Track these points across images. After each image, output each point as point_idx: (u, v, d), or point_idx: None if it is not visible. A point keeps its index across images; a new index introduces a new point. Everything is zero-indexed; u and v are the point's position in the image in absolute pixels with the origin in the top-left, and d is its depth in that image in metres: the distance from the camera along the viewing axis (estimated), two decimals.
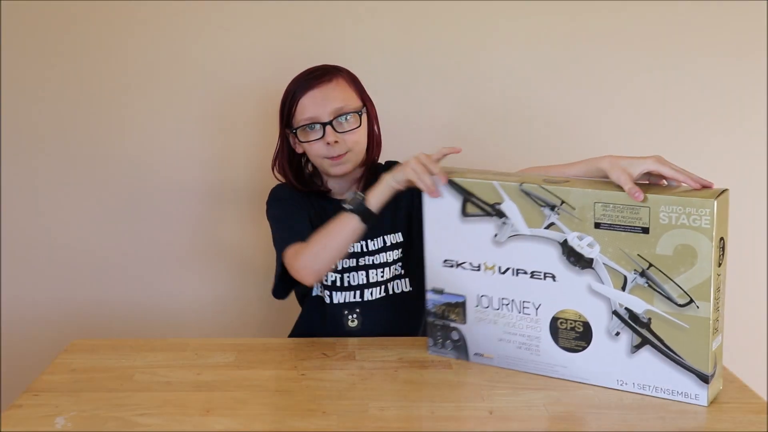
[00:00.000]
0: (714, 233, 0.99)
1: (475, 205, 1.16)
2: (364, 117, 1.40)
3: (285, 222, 1.38)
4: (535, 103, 1.75)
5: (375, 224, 1.24)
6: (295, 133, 1.38)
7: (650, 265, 1.04)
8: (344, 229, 1.23)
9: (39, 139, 1.76)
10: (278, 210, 1.41)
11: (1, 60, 1.72)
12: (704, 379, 1.04)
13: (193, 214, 1.80)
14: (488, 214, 1.15)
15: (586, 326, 1.11)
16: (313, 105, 1.35)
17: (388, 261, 1.41)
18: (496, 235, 1.15)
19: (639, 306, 1.06)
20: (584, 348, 1.12)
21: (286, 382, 1.17)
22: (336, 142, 1.34)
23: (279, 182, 1.48)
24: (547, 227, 1.11)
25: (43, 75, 1.73)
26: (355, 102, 1.39)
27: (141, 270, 1.82)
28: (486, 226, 1.15)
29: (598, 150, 1.77)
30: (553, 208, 1.10)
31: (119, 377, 1.18)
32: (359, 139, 1.38)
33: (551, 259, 1.12)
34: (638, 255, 1.05)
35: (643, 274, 1.05)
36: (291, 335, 1.49)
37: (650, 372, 1.07)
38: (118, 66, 1.73)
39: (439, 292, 1.22)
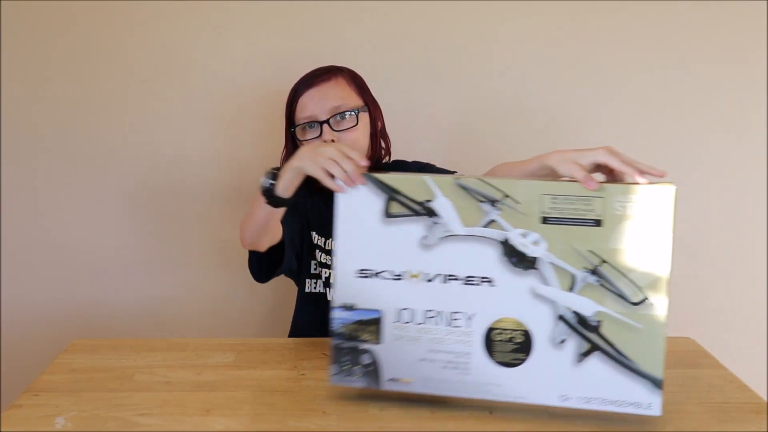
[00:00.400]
0: (672, 224, 0.94)
1: (401, 203, 1.01)
2: (364, 116, 1.40)
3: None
4: (536, 102, 1.75)
5: (289, 206, 1.18)
6: (293, 132, 1.40)
7: (603, 261, 0.97)
8: (259, 210, 1.20)
9: (39, 139, 1.76)
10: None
11: (1, 60, 1.72)
12: (657, 384, 0.97)
13: (194, 214, 1.80)
14: (416, 214, 1.01)
15: (527, 336, 1.00)
16: (312, 103, 1.36)
17: None
18: (425, 237, 1.01)
19: (588, 308, 0.98)
20: (522, 361, 1.00)
21: (286, 382, 1.17)
22: (332, 140, 1.34)
23: None
24: (487, 225, 0.99)
25: (43, 75, 1.73)
26: (355, 101, 1.39)
27: (141, 270, 1.82)
28: (413, 228, 1.01)
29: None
30: (494, 203, 0.99)
31: (119, 377, 1.18)
32: (358, 137, 1.38)
33: (489, 261, 0.99)
34: (590, 251, 0.97)
35: (594, 271, 0.97)
36: (291, 332, 1.49)
37: (597, 382, 0.98)
38: (118, 66, 1.73)
39: (350, 308, 1.05)
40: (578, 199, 0.96)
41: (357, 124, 1.37)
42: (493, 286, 1.00)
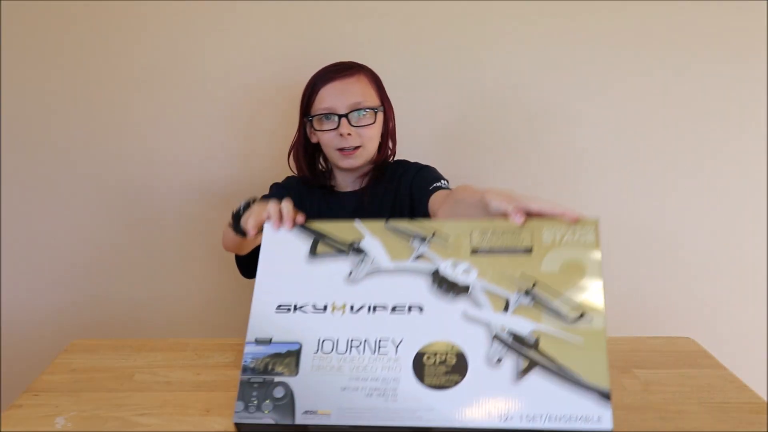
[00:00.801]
0: (599, 250, 0.95)
1: (328, 244, 1.01)
2: (380, 115, 1.43)
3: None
4: (535, 103, 1.75)
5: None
6: (311, 121, 1.42)
7: (535, 283, 0.95)
8: (229, 235, 1.27)
9: (39, 140, 1.76)
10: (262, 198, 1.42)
11: (1, 60, 1.72)
12: (605, 396, 0.89)
13: (194, 215, 1.80)
14: (342, 252, 1.00)
15: (460, 357, 0.93)
16: (332, 96, 1.39)
17: None
18: (350, 273, 0.99)
19: (524, 327, 0.93)
20: (457, 383, 0.92)
21: None
22: (349, 134, 1.38)
23: (288, 175, 1.53)
24: (416, 259, 0.98)
25: (43, 75, 1.73)
26: (374, 100, 1.42)
27: (141, 270, 1.82)
28: (339, 265, 0.99)
29: (598, 149, 1.78)
30: (423, 239, 0.99)
31: (119, 377, 1.18)
32: (373, 135, 1.41)
33: (418, 290, 0.96)
34: (522, 274, 0.95)
35: (528, 292, 0.95)
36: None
37: (540, 399, 0.90)
38: (117, 66, 1.73)
39: (265, 342, 0.98)
40: (507, 232, 0.97)
41: (374, 122, 1.41)
42: (422, 313, 0.96)
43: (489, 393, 0.91)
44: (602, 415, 0.89)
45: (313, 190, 1.47)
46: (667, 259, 1.82)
